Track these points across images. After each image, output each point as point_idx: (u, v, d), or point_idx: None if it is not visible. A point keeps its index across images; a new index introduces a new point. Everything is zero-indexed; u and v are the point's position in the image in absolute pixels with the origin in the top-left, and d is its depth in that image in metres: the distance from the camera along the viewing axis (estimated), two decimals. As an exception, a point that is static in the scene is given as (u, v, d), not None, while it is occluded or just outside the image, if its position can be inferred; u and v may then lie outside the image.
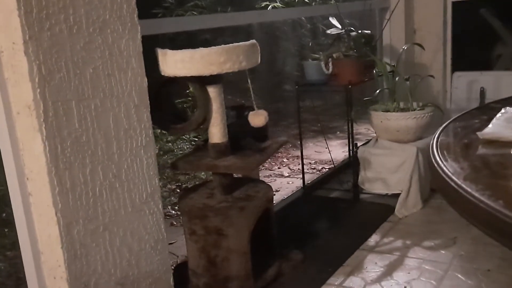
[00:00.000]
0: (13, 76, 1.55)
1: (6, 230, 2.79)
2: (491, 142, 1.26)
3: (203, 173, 3.81)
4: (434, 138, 1.33)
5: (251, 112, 2.06)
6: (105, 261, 1.78)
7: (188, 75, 1.91)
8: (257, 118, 2.05)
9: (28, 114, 1.55)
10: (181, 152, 4.55)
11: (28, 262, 1.71)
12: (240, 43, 1.95)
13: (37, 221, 1.67)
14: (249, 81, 2.06)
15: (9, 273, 2.55)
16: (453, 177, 1.04)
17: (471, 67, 3.77)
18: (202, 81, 1.97)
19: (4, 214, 2.85)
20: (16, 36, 1.49)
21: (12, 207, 1.69)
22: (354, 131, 3.04)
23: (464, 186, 0.99)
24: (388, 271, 2.23)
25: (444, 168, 1.10)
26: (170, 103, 2.14)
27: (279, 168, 4.24)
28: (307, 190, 3.25)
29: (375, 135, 3.10)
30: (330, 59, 2.95)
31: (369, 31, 3.17)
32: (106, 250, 1.78)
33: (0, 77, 1.56)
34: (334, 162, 3.51)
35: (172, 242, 2.76)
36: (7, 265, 2.61)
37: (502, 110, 1.43)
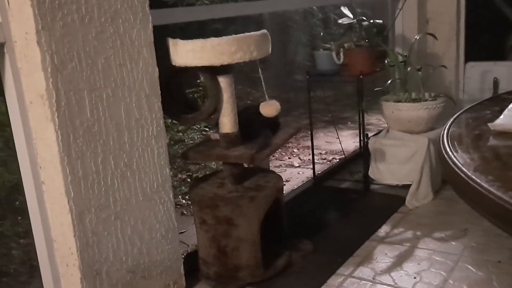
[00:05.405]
0: (26, 66, 1.57)
1: (19, 218, 2.83)
2: (502, 134, 1.26)
3: (213, 163, 3.83)
4: (444, 129, 1.33)
5: (262, 103, 2.06)
6: (116, 249, 1.80)
7: (199, 65, 1.91)
8: (269, 108, 2.06)
9: (41, 104, 1.57)
10: (191, 142, 4.56)
11: (41, 249, 1.74)
12: (251, 33, 1.95)
13: (50, 209, 1.70)
14: (260, 71, 2.05)
15: (23, 261, 2.59)
16: (463, 168, 1.04)
17: (485, 57, 3.73)
18: (213, 71, 1.97)
19: (17, 202, 2.89)
20: (29, 26, 1.51)
21: (26, 195, 1.71)
22: (365, 122, 3.02)
23: (474, 177, 0.99)
24: (398, 262, 2.23)
25: (454, 159, 1.10)
26: (181, 93, 2.14)
27: (289, 158, 4.25)
28: (318, 180, 3.25)
29: (386, 125, 3.09)
30: (341, 49, 2.94)
31: (381, 21, 3.15)
32: (118, 239, 1.80)
33: (13, 67, 1.58)
34: (345, 153, 3.50)
35: (183, 231, 2.78)
36: (21, 252, 2.65)
37: (514, 101, 1.42)
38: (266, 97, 2.08)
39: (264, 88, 2.07)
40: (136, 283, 1.88)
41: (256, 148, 2.03)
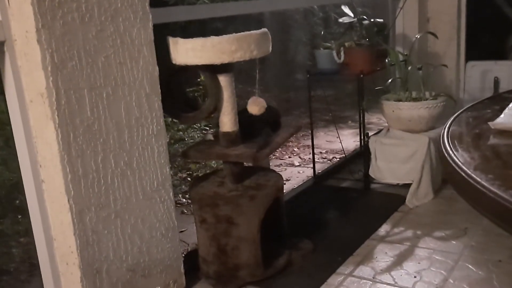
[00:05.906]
0: (26, 64, 1.57)
1: (19, 216, 2.83)
2: (503, 132, 1.26)
3: (214, 162, 3.83)
4: (445, 128, 1.33)
5: (250, 99, 2.07)
6: (116, 248, 1.80)
7: (199, 63, 1.91)
8: (252, 106, 2.06)
9: (41, 102, 1.57)
10: (192, 141, 4.56)
11: (41, 248, 1.74)
12: (251, 31, 1.95)
13: (50, 208, 1.70)
14: (257, 71, 2.06)
15: (23, 259, 2.59)
16: (463, 167, 1.04)
17: (485, 56, 3.72)
18: (213, 70, 1.97)
19: (17, 201, 2.89)
20: (29, 25, 1.50)
21: (26, 194, 1.71)
22: (365, 121, 3.02)
23: (474, 176, 0.99)
24: (398, 261, 2.23)
25: (455, 158, 1.10)
26: (181, 91, 2.14)
27: (289, 157, 4.24)
28: (318, 179, 3.25)
29: (386, 124, 3.09)
30: (342, 48, 2.93)
31: (382, 20, 3.14)
32: (118, 237, 1.80)
33: (14, 66, 1.58)
34: (345, 152, 3.50)
35: (183, 230, 2.78)
36: (21, 251, 2.65)
37: (515, 100, 1.42)
38: (256, 95, 2.08)
39: (256, 86, 2.08)
40: (136, 281, 1.88)
41: (256, 147, 2.03)
